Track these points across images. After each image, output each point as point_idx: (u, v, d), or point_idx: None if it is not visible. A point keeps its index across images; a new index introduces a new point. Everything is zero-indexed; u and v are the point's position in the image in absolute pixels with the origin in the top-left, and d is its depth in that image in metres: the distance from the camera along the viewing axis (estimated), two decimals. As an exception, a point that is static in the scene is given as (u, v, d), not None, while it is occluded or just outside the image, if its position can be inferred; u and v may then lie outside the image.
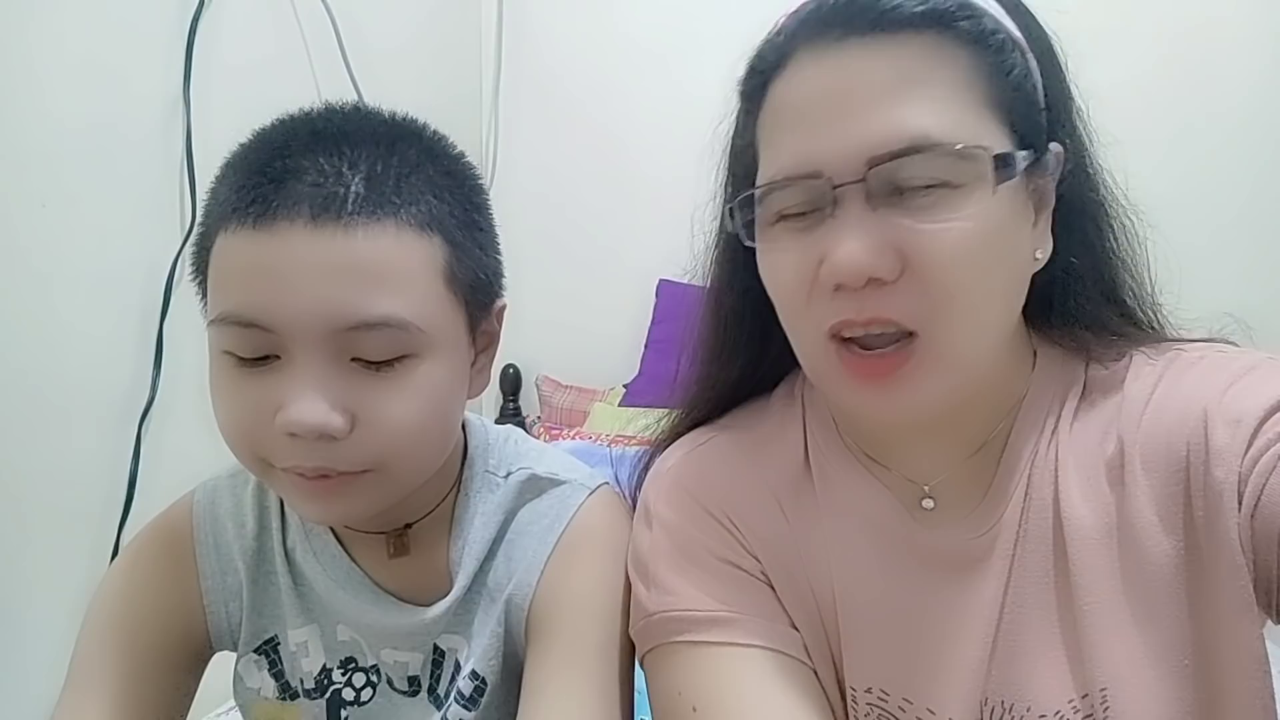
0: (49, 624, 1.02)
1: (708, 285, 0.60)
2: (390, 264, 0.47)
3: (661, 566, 0.54)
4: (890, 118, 0.44)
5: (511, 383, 1.80)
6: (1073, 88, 0.50)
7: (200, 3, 1.20)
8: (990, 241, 0.45)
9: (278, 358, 0.47)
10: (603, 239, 1.76)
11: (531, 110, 1.83)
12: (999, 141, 0.45)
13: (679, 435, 0.63)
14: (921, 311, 0.45)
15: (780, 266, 0.50)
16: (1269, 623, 0.45)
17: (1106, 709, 0.46)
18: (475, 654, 0.57)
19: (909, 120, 0.44)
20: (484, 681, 0.56)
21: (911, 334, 0.46)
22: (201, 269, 0.50)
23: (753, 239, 0.50)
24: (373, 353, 0.47)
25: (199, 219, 0.51)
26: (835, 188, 0.45)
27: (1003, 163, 0.44)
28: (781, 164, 0.47)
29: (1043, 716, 0.48)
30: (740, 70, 0.53)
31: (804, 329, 0.50)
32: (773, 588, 0.54)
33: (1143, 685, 0.46)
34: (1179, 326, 0.55)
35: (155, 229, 1.15)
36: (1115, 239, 0.54)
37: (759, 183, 0.49)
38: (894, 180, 0.44)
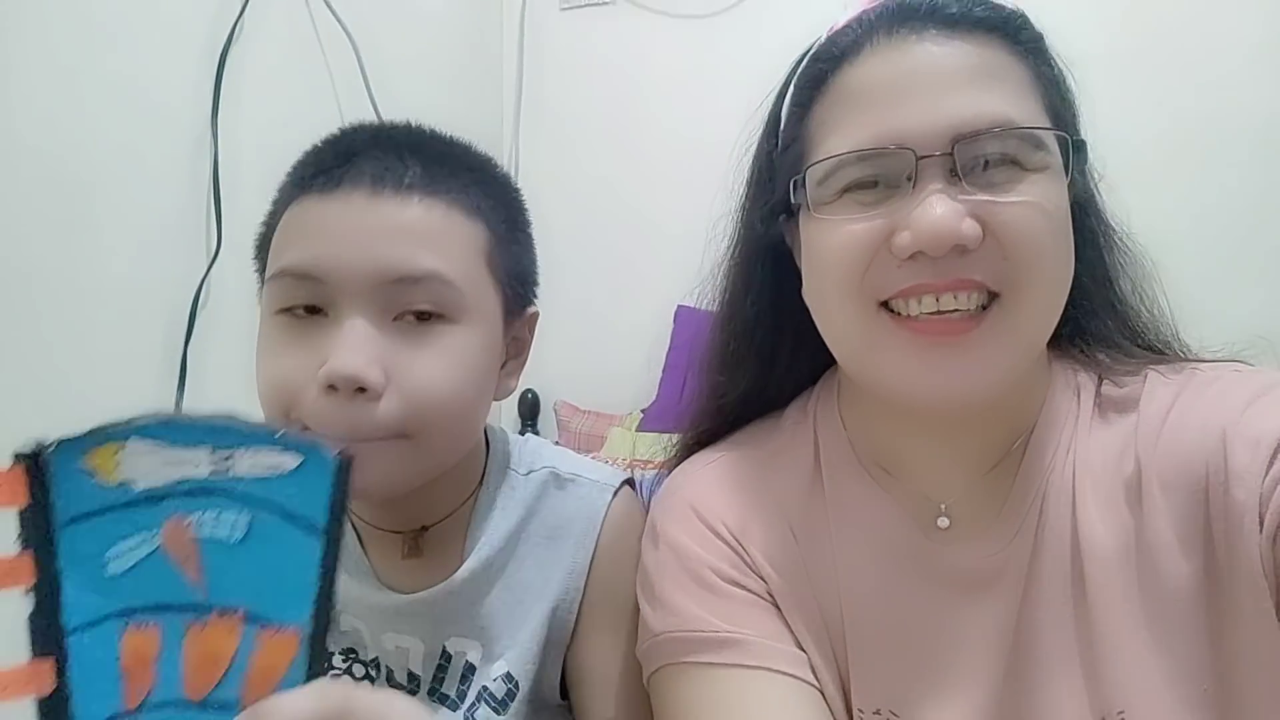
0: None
1: (720, 296, 0.62)
2: (439, 231, 0.53)
3: (667, 586, 0.55)
4: (975, 100, 0.47)
5: (530, 407, 1.82)
6: (1080, 119, 0.53)
7: (228, 38, 1.27)
8: (1061, 220, 0.48)
9: (325, 315, 0.51)
10: (621, 266, 1.79)
11: (549, 138, 1.88)
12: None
13: (689, 450, 0.64)
14: (1005, 274, 0.46)
15: (841, 235, 0.49)
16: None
17: None
18: (509, 656, 0.58)
19: (993, 105, 0.47)
20: (517, 685, 0.58)
21: (992, 298, 0.47)
22: (264, 249, 0.55)
23: (809, 209, 0.51)
24: (416, 305, 0.52)
25: (267, 215, 0.56)
26: (920, 159, 0.46)
27: (1077, 149, 0.49)
28: (860, 138, 0.48)
29: None
30: (797, 64, 0.55)
31: (851, 302, 0.50)
32: (779, 608, 0.55)
33: (1162, 709, 0.46)
34: (1201, 350, 0.56)
35: (182, 255, 1.18)
36: (1121, 264, 0.56)
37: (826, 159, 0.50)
38: (975, 157, 0.46)
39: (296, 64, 1.40)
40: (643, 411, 1.60)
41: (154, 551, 0.32)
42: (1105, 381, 0.53)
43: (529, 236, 0.62)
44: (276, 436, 0.33)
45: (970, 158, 0.46)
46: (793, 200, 0.52)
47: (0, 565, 0.31)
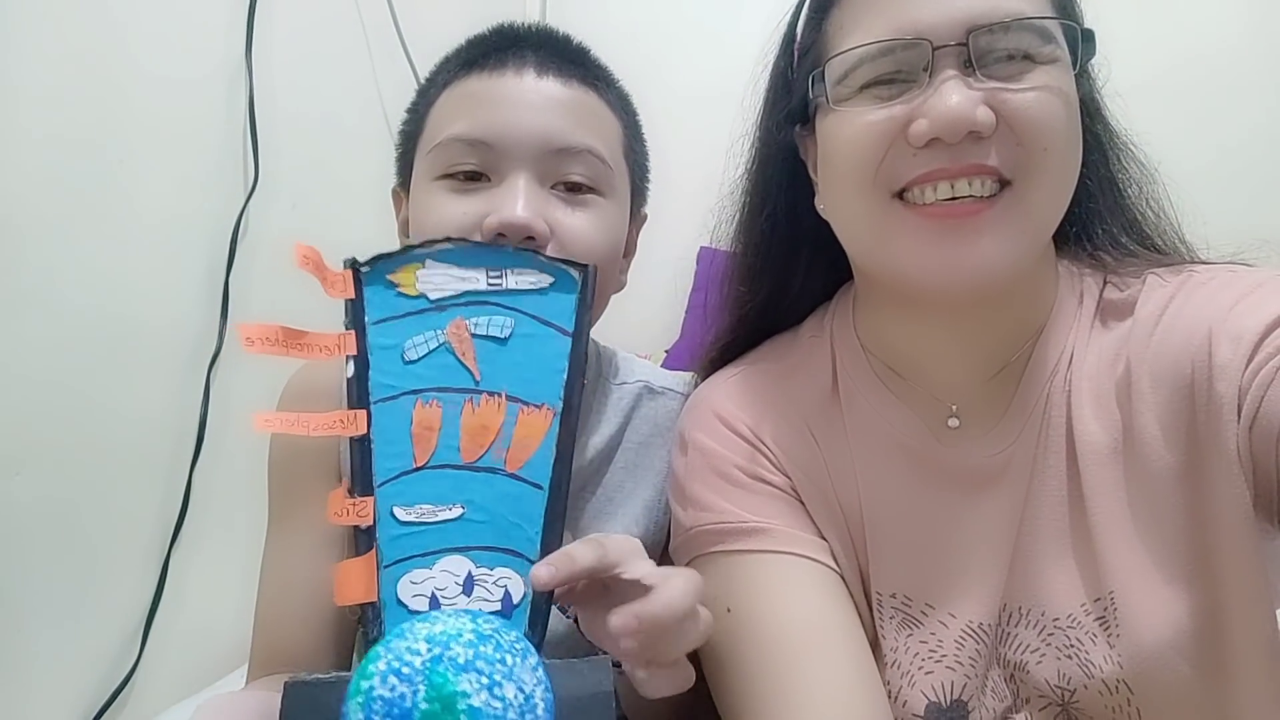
0: (126, 562, 1.12)
1: (737, 212, 0.68)
2: (594, 114, 0.62)
3: (696, 486, 0.60)
4: None
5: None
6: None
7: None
8: (1070, 109, 0.52)
9: (485, 181, 0.59)
10: (645, 208, 1.87)
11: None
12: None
13: (714, 365, 0.69)
14: (1018, 160, 0.50)
15: (858, 125, 0.52)
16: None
17: (1115, 611, 0.52)
18: None
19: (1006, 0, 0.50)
20: None
21: (1003, 186, 0.51)
22: (411, 138, 0.63)
23: (829, 103, 0.54)
24: (572, 175, 0.59)
25: (412, 106, 0.64)
26: (936, 49, 0.50)
27: (1087, 38, 0.53)
28: (878, 31, 0.52)
29: (1056, 619, 0.54)
30: None
31: (866, 193, 0.53)
32: (802, 502, 0.60)
33: (1149, 588, 0.51)
34: (1206, 252, 0.60)
35: (221, 188, 1.25)
36: (1126, 166, 0.60)
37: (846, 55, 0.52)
38: (989, 49, 0.50)
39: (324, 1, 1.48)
40: (666, 351, 1.69)
41: (440, 346, 0.44)
42: (1108, 285, 0.58)
43: (645, 144, 0.71)
44: (537, 260, 0.45)
45: (984, 49, 0.50)
46: (811, 96, 0.56)
47: (333, 337, 0.43)
